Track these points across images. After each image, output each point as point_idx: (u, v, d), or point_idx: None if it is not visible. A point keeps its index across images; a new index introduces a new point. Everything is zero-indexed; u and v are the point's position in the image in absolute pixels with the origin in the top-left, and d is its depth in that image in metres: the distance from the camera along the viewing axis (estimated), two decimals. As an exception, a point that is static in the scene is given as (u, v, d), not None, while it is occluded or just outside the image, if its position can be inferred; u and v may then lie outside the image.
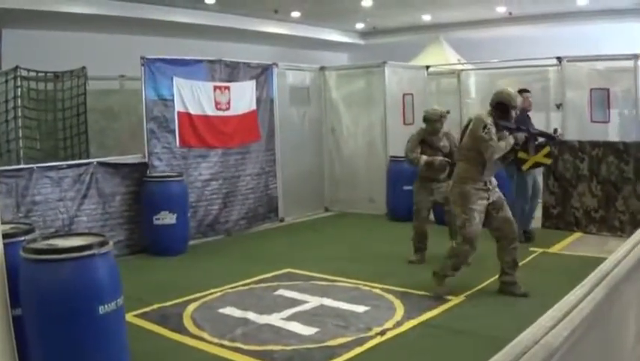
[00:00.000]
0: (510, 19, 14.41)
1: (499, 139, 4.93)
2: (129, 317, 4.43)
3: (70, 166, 6.73)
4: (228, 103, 8.08)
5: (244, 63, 8.44)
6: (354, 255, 6.87)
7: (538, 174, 7.44)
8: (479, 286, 5.39)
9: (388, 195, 8.97)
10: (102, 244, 3.42)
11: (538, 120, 7.57)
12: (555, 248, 6.86)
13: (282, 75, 9.12)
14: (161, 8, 12.12)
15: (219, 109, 7.98)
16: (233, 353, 4.11)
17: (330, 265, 6.32)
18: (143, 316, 4.89)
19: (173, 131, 7.50)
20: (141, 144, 7.35)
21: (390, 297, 5.22)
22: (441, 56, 13.22)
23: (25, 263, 3.30)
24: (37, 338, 3.29)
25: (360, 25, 16.44)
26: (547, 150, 6.59)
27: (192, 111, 7.67)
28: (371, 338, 4.31)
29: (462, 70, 11.01)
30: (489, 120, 4.92)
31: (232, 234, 8.16)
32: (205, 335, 4.43)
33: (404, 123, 9.59)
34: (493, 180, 5.16)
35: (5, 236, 3.35)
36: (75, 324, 3.26)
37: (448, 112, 6.53)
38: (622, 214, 7.19)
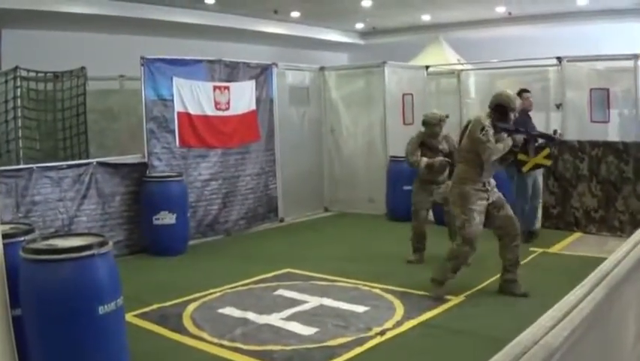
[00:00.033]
0: (510, 19, 14.41)
1: (497, 141, 4.95)
2: (129, 317, 4.43)
3: (69, 166, 6.73)
4: (228, 103, 8.08)
5: (244, 63, 8.44)
6: (353, 255, 6.87)
7: (539, 175, 7.44)
8: (479, 286, 5.39)
9: (388, 195, 8.97)
10: (102, 244, 3.42)
11: (538, 120, 7.57)
12: (555, 248, 6.86)
13: (281, 75, 9.12)
14: (161, 8, 12.12)
15: (219, 109, 7.98)
16: (232, 353, 4.11)
17: (329, 265, 6.32)
18: (142, 316, 4.89)
19: (172, 132, 7.50)
20: (141, 144, 7.35)
21: (390, 297, 5.22)
22: (440, 56, 13.21)
23: (24, 263, 3.30)
24: (36, 338, 3.29)
25: (359, 25, 16.45)
26: (547, 151, 6.59)
27: (192, 111, 7.67)
28: (371, 338, 4.31)
29: (462, 70, 11.01)
30: (487, 122, 4.94)
31: (232, 234, 8.15)
32: (205, 335, 4.43)
33: (404, 123, 9.59)
34: (492, 180, 5.17)
35: (5, 236, 3.35)
36: (75, 324, 3.26)
37: (447, 116, 6.53)
38: (622, 214, 7.19)
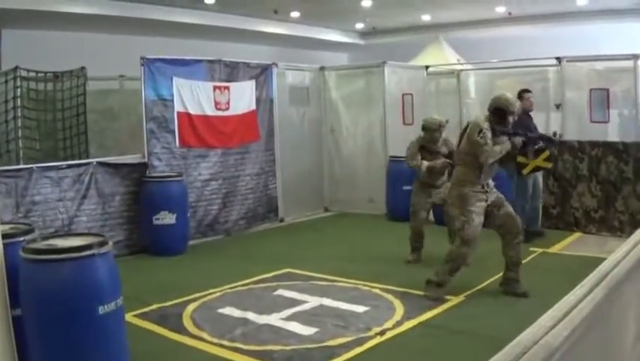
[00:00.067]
0: (509, 19, 14.42)
1: (496, 144, 4.95)
2: (129, 317, 4.43)
3: (69, 166, 6.73)
4: (228, 103, 8.08)
5: (244, 63, 8.44)
6: (353, 255, 6.87)
7: (539, 174, 7.42)
8: (479, 286, 5.39)
9: (388, 195, 8.97)
10: (102, 244, 3.42)
11: (538, 121, 7.56)
12: (555, 248, 6.86)
13: (281, 75, 9.12)
14: (161, 8, 12.12)
15: (219, 109, 7.98)
16: (232, 353, 4.11)
17: (329, 265, 6.32)
18: (142, 316, 4.89)
19: (172, 132, 7.50)
20: (141, 144, 7.34)
21: (390, 297, 5.22)
22: (440, 56, 13.21)
23: (24, 263, 3.30)
24: (36, 338, 3.29)
25: (359, 26, 16.45)
26: (546, 153, 6.48)
27: (192, 111, 7.67)
28: (371, 338, 4.31)
29: (461, 70, 11.00)
30: (485, 125, 4.95)
31: (232, 234, 8.15)
32: (204, 335, 4.43)
33: (403, 123, 9.60)
34: (490, 181, 5.18)
35: (5, 236, 3.35)
36: (75, 324, 3.26)
37: (447, 121, 6.54)
38: (621, 214, 7.19)
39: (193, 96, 7.68)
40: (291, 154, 9.10)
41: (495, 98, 5.11)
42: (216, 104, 7.95)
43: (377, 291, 5.41)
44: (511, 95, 5.31)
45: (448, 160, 6.26)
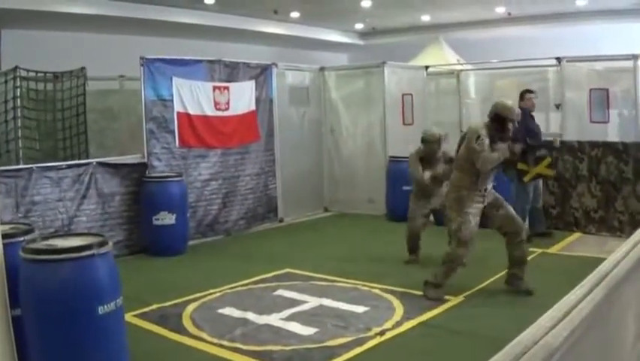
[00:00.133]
0: (509, 20, 14.42)
1: (494, 151, 4.95)
2: (128, 317, 4.43)
3: (69, 166, 6.73)
4: (228, 103, 8.08)
5: (243, 63, 8.44)
6: (353, 255, 6.87)
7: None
8: (478, 287, 5.39)
9: (388, 195, 8.97)
10: (101, 244, 3.42)
11: (538, 121, 7.54)
12: (555, 248, 6.86)
13: (281, 75, 9.12)
14: (161, 8, 12.12)
15: (219, 109, 7.98)
16: (232, 353, 4.11)
17: (329, 265, 6.33)
18: (142, 316, 4.89)
19: (172, 132, 7.51)
20: (140, 144, 7.35)
21: (390, 297, 5.22)
22: (440, 56, 13.21)
23: (24, 263, 3.30)
24: (36, 339, 3.29)
25: (359, 26, 16.45)
26: (548, 160, 6.39)
27: (191, 111, 7.67)
28: (370, 338, 4.31)
29: (461, 70, 11.01)
30: (483, 132, 4.95)
31: (231, 234, 8.16)
32: (204, 336, 4.43)
33: (403, 123, 9.60)
34: (489, 185, 5.18)
35: (5, 236, 3.35)
36: (74, 324, 3.26)
37: (446, 134, 6.53)
38: (621, 215, 7.20)
39: (193, 96, 7.68)
40: (290, 154, 9.10)
41: (495, 104, 5.11)
42: (216, 104, 7.95)
43: (377, 291, 5.41)
44: (511, 101, 5.29)
45: (449, 166, 6.27)
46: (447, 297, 5.11)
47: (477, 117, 9.23)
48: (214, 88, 7.93)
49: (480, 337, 4.22)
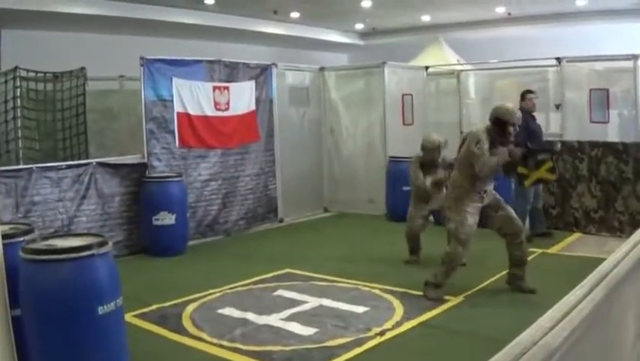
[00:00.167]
0: (509, 20, 14.42)
1: (494, 155, 4.94)
2: (128, 317, 4.43)
3: (69, 166, 6.72)
4: (227, 103, 8.08)
5: (243, 63, 8.44)
6: (353, 255, 6.87)
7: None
8: (478, 287, 5.39)
9: (388, 195, 8.97)
10: (101, 244, 3.42)
11: (538, 121, 7.55)
12: (554, 249, 6.86)
13: (281, 75, 9.12)
14: (161, 8, 12.12)
15: (218, 109, 7.98)
16: (232, 353, 4.11)
17: (329, 265, 6.33)
18: (142, 316, 4.88)
19: (172, 132, 7.50)
20: (140, 144, 7.34)
21: (390, 297, 5.22)
22: (440, 56, 13.22)
23: (24, 264, 3.30)
24: (36, 339, 3.29)
25: (359, 26, 16.45)
26: (549, 164, 6.31)
27: (191, 112, 7.67)
28: (370, 338, 4.31)
29: (461, 70, 11.01)
30: (483, 136, 4.95)
31: (231, 234, 8.15)
32: (204, 336, 4.43)
33: (403, 124, 9.60)
34: (489, 187, 5.18)
35: (4, 236, 3.35)
36: (74, 324, 3.26)
37: (446, 142, 6.53)
38: (621, 215, 7.19)
39: (193, 97, 7.68)
40: (290, 154, 9.10)
41: (495, 108, 5.10)
42: (216, 104, 7.95)
43: (377, 291, 5.41)
44: (512, 103, 5.28)
45: (450, 170, 6.28)
46: (447, 297, 5.11)
47: (477, 117, 9.25)
48: (214, 88, 7.93)
49: (480, 337, 4.22)
